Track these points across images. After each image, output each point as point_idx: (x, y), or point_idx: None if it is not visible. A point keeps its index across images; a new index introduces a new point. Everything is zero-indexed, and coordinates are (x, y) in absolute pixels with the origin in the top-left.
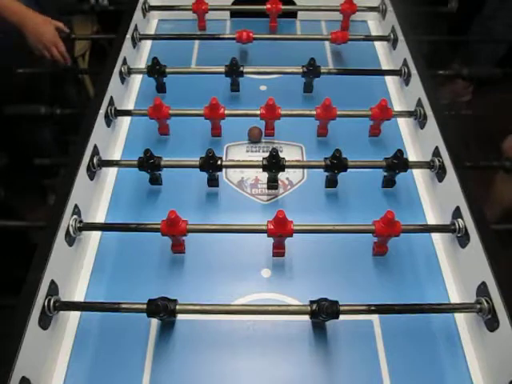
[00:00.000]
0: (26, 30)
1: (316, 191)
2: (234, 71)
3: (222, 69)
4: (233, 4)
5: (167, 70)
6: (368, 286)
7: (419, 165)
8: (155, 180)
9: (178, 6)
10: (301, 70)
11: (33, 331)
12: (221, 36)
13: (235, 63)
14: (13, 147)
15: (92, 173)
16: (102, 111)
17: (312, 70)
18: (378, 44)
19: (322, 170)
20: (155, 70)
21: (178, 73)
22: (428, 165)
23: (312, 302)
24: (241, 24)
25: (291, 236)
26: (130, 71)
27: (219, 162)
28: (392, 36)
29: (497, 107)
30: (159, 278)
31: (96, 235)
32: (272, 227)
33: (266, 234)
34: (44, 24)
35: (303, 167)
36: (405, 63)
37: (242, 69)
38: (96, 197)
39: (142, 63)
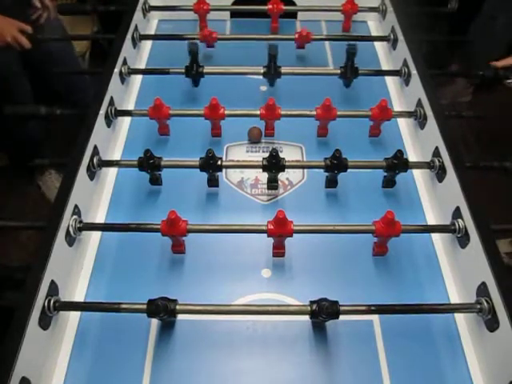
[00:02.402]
0: None
1: (316, 191)
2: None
3: (260, 69)
4: (233, 4)
5: (205, 70)
6: (368, 286)
7: (419, 165)
8: (155, 180)
9: (178, 6)
10: (338, 71)
11: (33, 331)
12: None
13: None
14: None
15: (92, 173)
16: (102, 111)
17: (351, 71)
18: (377, 44)
19: (322, 170)
20: (194, 70)
21: (216, 73)
22: (428, 165)
23: (312, 302)
24: (241, 24)
25: (291, 236)
26: (130, 71)
27: (219, 162)
28: (392, 36)
29: (497, 107)
30: (159, 278)
31: (96, 235)
32: (272, 227)
33: (266, 234)
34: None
35: (303, 167)
36: (405, 63)
37: (279, 70)
38: (96, 197)
39: (142, 63)
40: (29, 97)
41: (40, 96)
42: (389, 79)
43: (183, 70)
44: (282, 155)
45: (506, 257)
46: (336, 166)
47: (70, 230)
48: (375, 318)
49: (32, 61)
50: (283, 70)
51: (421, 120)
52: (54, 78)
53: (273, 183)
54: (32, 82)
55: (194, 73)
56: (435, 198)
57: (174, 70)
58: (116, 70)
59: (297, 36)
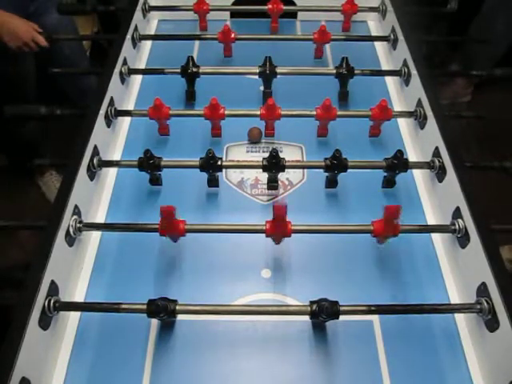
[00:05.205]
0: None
1: (316, 191)
2: (267, 72)
3: (255, 69)
4: (233, 4)
5: (200, 70)
6: (368, 286)
7: (419, 165)
8: (155, 180)
9: (178, 6)
10: (334, 71)
11: (33, 331)
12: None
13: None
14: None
15: (92, 173)
16: (102, 112)
17: (348, 72)
18: (378, 44)
19: (322, 170)
20: (190, 71)
21: (212, 73)
22: (428, 165)
23: (312, 303)
24: (241, 25)
25: (289, 236)
26: (131, 71)
27: (219, 163)
28: (392, 36)
29: (497, 107)
30: (159, 279)
31: (96, 235)
32: (269, 226)
33: (265, 235)
34: (15, 21)
35: (303, 167)
36: (405, 63)
37: (276, 69)
38: (96, 197)
39: (142, 63)
40: (33, 99)
41: (48, 98)
42: (389, 79)
43: (179, 70)
44: (282, 155)
45: (508, 263)
46: (336, 166)
47: (70, 230)
48: (375, 318)
49: (44, 62)
50: (281, 69)
51: (421, 120)
52: (69, 80)
53: (273, 183)
54: (41, 83)
55: (189, 72)
56: (435, 198)
57: (169, 71)
58: (116, 70)
59: (316, 36)
